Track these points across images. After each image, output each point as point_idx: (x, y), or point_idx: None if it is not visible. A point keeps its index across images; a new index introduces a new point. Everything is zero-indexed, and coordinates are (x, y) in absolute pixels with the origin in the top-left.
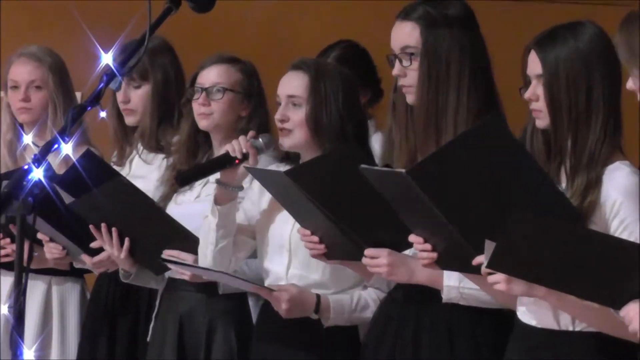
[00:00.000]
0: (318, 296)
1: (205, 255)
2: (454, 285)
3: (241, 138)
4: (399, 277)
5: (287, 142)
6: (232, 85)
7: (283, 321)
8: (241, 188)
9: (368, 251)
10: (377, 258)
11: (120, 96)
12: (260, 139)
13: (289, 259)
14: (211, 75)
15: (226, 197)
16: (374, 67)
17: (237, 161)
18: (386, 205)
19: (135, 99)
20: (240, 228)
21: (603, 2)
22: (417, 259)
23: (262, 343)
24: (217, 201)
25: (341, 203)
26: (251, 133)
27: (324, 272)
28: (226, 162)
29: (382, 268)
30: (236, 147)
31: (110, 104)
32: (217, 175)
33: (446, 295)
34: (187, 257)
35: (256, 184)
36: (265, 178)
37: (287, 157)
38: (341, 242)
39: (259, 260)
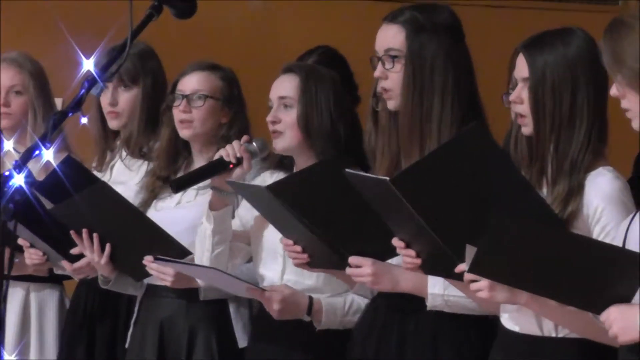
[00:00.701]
0: (310, 298)
1: (202, 261)
2: (438, 292)
3: (235, 142)
4: (383, 286)
5: (279, 145)
6: (212, 92)
7: (278, 323)
8: (235, 193)
9: (352, 260)
10: (361, 267)
11: (107, 98)
12: (254, 143)
13: (284, 265)
14: (192, 82)
15: (221, 202)
16: (352, 73)
17: (231, 166)
18: (369, 215)
19: (123, 101)
20: (235, 234)
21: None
22: (401, 267)
23: (258, 344)
24: (212, 207)
25: (323, 215)
26: (245, 137)
27: (318, 277)
28: (220, 167)
29: (366, 277)
30: (230, 151)
31: (94, 108)
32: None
33: (431, 303)
34: (168, 263)
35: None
36: (248, 192)
37: (281, 164)
38: (324, 252)
39: (254, 266)
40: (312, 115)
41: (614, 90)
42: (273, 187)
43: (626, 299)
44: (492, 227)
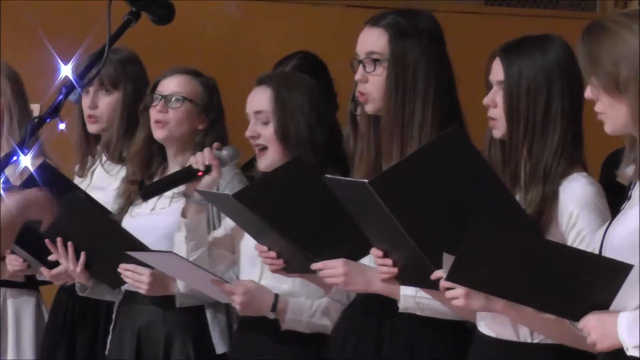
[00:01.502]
0: (276, 295)
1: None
2: (410, 294)
3: (205, 150)
4: (355, 286)
5: (263, 163)
6: (191, 95)
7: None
8: (200, 194)
9: (315, 266)
10: (333, 268)
11: (87, 101)
12: (223, 151)
13: (261, 270)
14: (172, 84)
15: (193, 210)
16: (330, 78)
17: (200, 173)
18: (338, 216)
19: (103, 106)
20: (219, 242)
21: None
22: (375, 268)
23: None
24: (184, 214)
25: (290, 220)
26: (216, 144)
27: (294, 282)
28: (189, 175)
29: (338, 278)
30: (199, 159)
31: (76, 113)
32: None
33: (403, 305)
34: (142, 271)
35: None
36: (218, 201)
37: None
38: (298, 257)
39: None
40: (288, 126)
41: (588, 93)
42: (238, 195)
43: (604, 306)
44: (470, 235)
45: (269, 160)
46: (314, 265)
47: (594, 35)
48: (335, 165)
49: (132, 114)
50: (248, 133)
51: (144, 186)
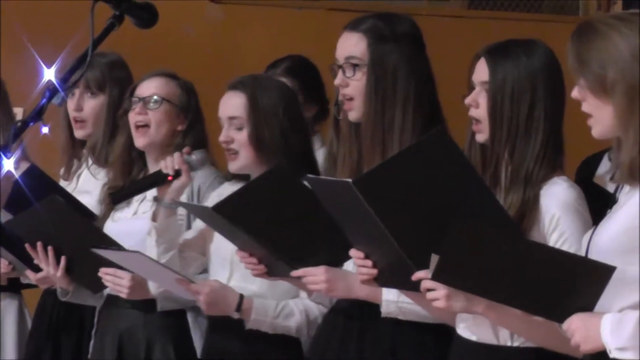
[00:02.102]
0: (241, 295)
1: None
2: (392, 299)
3: (175, 154)
4: (338, 292)
5: (234, 166)
6: (169, 96)
7: (230, 337)
8: (178, 204)
9: (303, 270)
10: (315, 275)
11: (72, 104)
12: (193, 156)
13: (230, 271)
14: (150, 87)
15: (163, 213)
16: (322, 83)
17: (169, 178)
18: (318, 223)
19: (88, 108)
20: (189, 244)
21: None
22: (356, 274)
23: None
24: (153, 218)
25: (271, 230)
26: (186, 149)
27: (262, 284)
28: (159, 180)
29: (320, 285)
30: (169, 164)
31: (62, 116)
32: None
33: (385, 310)
34: (123, 275)
35: (210, 202)
36: (197, 211)
37: (236, 175)
38: (279, 263)
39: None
40: (263, 131)
41: (575, 93)
42: (217, 207)
43: (588, 308)
44: (455, 234)
45: (240, 163)
46: (295, 272)
47: (584, 36)
48: (307, 169)
49: (117, 117)
50: (222, 138)
51: (113, 191)
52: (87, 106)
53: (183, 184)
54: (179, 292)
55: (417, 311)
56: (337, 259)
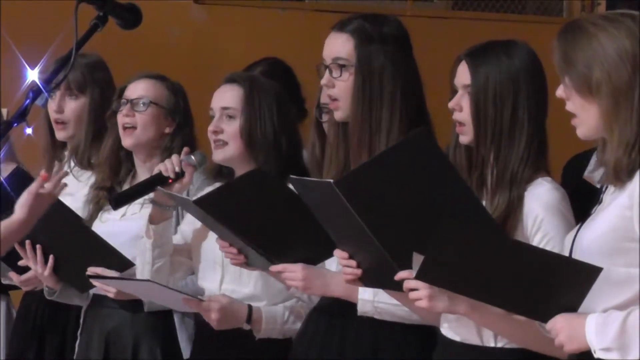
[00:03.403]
0: (250, 307)
1: (143, 274)
2: (368, 299)
3: (174, 157)
4: (314, 290)
5: (220, 155)
6: (157, 99)
7: (218, 337)
8: (176, 207)
9: (282, 266)
10: (293, 272)
11: (53, 106)
12: (192, 157)
13: (222, 274)
14: (138, 89)
15: (161, 216)
16: (298, 84)
17: (170, 180)
18: (299, 222)
19: (69, 110)
20: (177, 249)
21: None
22: (333, 272)
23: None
24: (151, 220)
25: (250, 226)
26: (185, 149)
27: (256, 286)
28: (159, 182)
29: (297, 282)
30: (169, 166)
31: (42, 118)
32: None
33: (361, 309)
34: (111, 274)
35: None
36: (184, 204)
37: (220, 173)
38: (257, 256)
39: (195, 279)
40: (255, 126)
41: (559, 92)
42: (199, 201)
43: (572, 308)
44: (440, 234)
45: (226, 154)
46: (274, 267)
47: (570, 35)
48: (295, 173)
49: (99, 119)
50: (211, 128)
51: (114, 195)
52: (68, 108)
53: (184, 185)
54: (183, 308)
55: (393, 311)
56: (314, 258)
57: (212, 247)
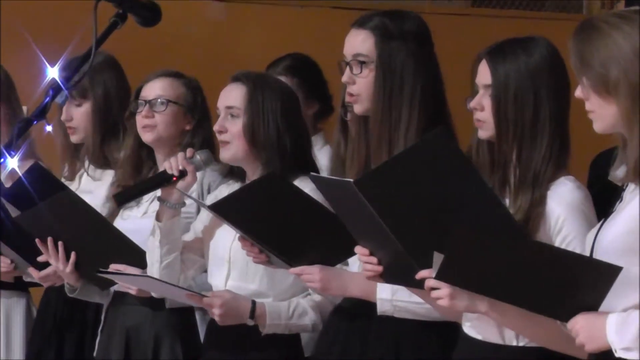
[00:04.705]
0: (253, 302)
1: (152, 273)
2: (387, 298)
3: (179, 155)
4: (332, 291)
5: (226, 155)
6: (175, 97)
7: (228, 336)
8: (182, 205)
9: (300, 268)
10: (310, 274)
11: (62, 115)
12: (197, 156)
13: (228, 271)
14: (155, 88)
15: (167, 214)
16: (324, 81)
17: (174, 178)
18: (315, 224)
19: (77, 117)
20: (189, 246)
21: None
22: (351, 272)
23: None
24: (158, 218)
25: (265, 230)
26: (189, 150)
27: (262, 282)
28: (163, 180)
29: (315, 283)
30: (173, 164)
31: (57, 121)
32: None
33: (380, 308)
34: (133, 272)
35: (207, 202)
36: (204, 206)
37: (231, 171)
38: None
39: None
40: (258, 125)
41: (578, 92)
42: (214, 207)
43: (593, 307)
44: (454, 237)
45: (231, 153)
46: (292, 270)
47: (585, 35)
48: (302, 171)
49: (107, 119)
50: (216, 127)
51: (118, 192)
52: (76, 115)
53: (188, 184)
54: (191, 303)
55: (412, 309)
56: (331, 259)
57: (220, 244)
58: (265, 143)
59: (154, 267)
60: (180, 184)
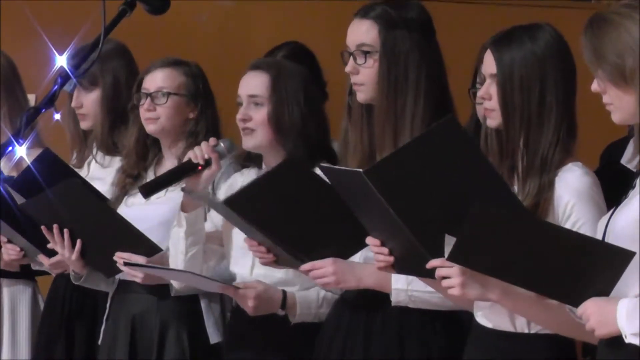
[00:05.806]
0: (284, 292)
1: (176, 263)
2: (402, 288)
3: (203, 144)
4: (347, 284)
5: (250, 142)
6: (176, 88)
7: (253, 323)
8: (207, 195)
9: (304, 267)
10: (323, 268)
11: (72, 102)
12: (221, 144)
13: (253, 259)
14: (155, 80)
15: (193, 204)
16: (320, 68)
17: (199, 167)
18: (327, 217)
19: (88, 103)
20: (208, 236)
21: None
22: (364, 264)
23: (234, 344)
24: (183, 209)
25: (281, 224)
26: (212, 139)
27: (287, 270)
28: (189, 170)
29: (329, 278)
30: (198, 153)
31: (66, 107)
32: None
33: (395, 298)
34: (138, 260)
35: (222, 192)
36: (211, 204)
37: (249, 158)
38: (286, 255)
39: (227, 265)
40: (283, 113)
41: (594, 86)
42: (228, 201)
43: (604, 292)
44: (472, 216)
45: (256, 140)
46: (303, 267)
47: (596, 28)
48: (323, 158)
49: (117, 106)
50: (239, 116)
51: (144, 184)
52: (86, 101)
53: (213, 172)
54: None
55: (427, 299)
56: (345, 251)
57: (242, 233)
58: (291, 130)
59: (178, 259)
60: (206, 173)
